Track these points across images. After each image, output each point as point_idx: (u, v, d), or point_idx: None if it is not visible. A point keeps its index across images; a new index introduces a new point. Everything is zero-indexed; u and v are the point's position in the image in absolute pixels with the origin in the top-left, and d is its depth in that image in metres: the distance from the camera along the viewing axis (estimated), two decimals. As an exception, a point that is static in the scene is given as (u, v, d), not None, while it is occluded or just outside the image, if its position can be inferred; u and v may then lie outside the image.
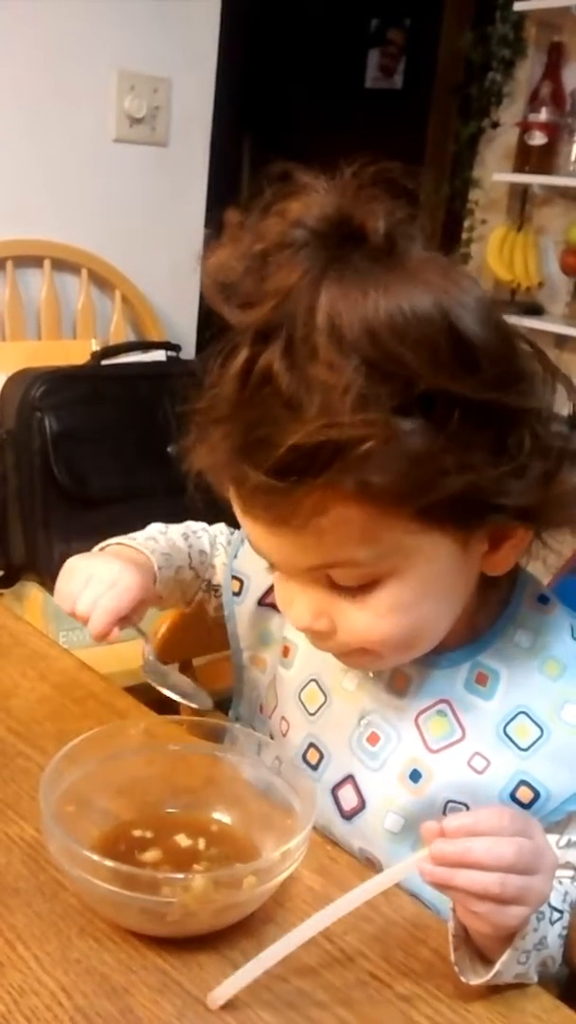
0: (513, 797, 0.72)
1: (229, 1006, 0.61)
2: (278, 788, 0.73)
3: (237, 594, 0.90)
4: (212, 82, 2.42)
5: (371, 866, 0.77)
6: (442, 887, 0.59)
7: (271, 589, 0.83)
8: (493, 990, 0.64)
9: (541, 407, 0.64)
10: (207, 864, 0.70)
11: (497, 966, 0.61)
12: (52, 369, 1.97)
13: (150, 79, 2.30)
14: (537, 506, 0.64)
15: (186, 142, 2.42)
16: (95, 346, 2.19)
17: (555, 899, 0.69)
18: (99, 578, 0.82)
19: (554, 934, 0.67)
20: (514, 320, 2.56)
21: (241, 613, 0.90)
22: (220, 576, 0.95)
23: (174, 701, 0.84)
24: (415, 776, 0.75)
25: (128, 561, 0.84)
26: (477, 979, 0.62)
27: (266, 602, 0.87)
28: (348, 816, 0.79)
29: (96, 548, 0.91)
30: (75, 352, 2.15)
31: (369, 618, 0.67)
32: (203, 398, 0.64)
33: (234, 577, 0.90)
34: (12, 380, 1.97)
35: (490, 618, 0.75)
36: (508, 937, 0.61)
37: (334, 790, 0.79)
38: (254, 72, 4.33)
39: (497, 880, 0.57)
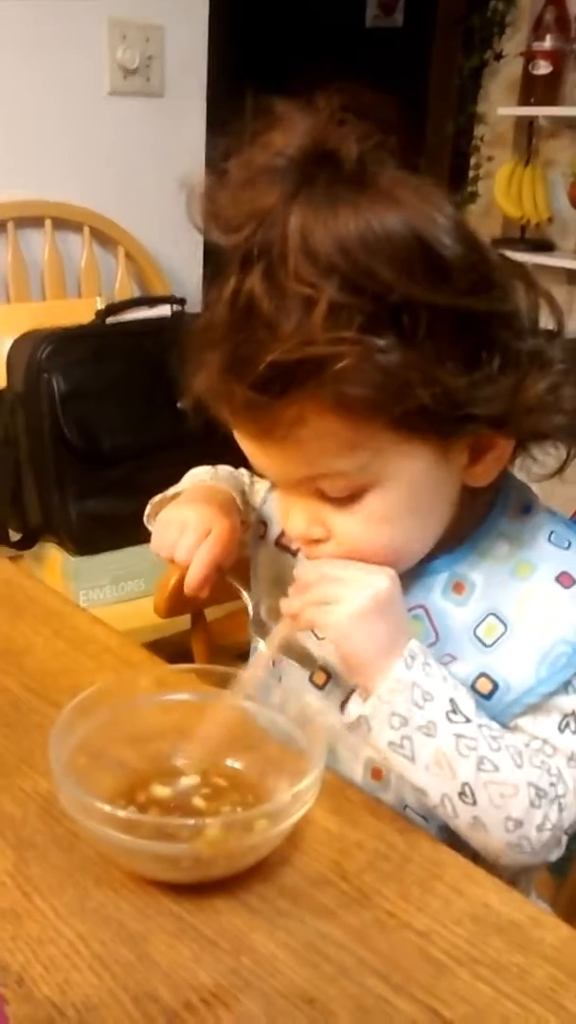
0: (473, 687, 0.74)
1: (247, 948, 0.61)
2: (289, 732, 0.73)
3: (262, 537, 0.92)
4: (205, 27, 2.36)
5: (377, 773, 0.79)
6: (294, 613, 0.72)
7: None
8: (510, 922, 0.64)
9: (509, 314, 0.67)
10: (220, 810, 0.70)
11: (367, 706, 0.69)
12: (58, 329, 1.96)
13: (142, 27, 2.25)
14: (507, 413, 0.67)
15: (183, 91, 2.38)
16: (100, 304, 2.17)
17: (510, 739, 0.71)
18: (194, 526, 0.84)
19: (507, 766, 0.69)
20: (524, 258, 2.51)
21: (263, 554, 0.92)
22: (250, 515, 0.97)
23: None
24: None
25: (216, 505, 0.87)
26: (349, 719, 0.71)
27: (282, 542, 0.89)
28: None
29: (172, 490, 0.93)
30: (80, 311, 2.14)
31: (360, 525, 0.70)
32: (199, 326, 0.68)
33: (260, 521, 0.93)
34: (18, 342, 1.96)
35: (472, 527, 0.77)
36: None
37: (342, 705, 0.80)
38: (252, 19, 4.23)
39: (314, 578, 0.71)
